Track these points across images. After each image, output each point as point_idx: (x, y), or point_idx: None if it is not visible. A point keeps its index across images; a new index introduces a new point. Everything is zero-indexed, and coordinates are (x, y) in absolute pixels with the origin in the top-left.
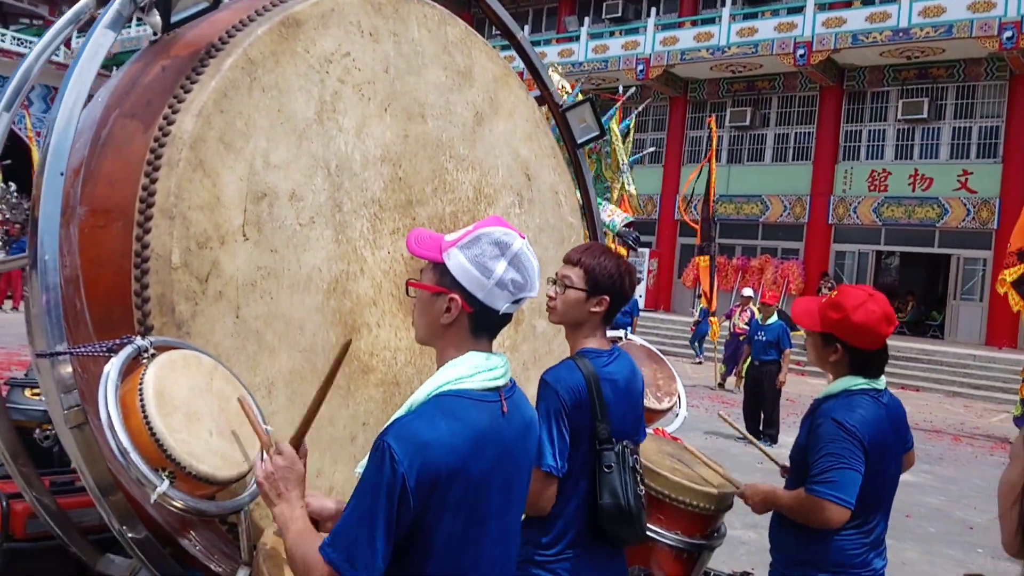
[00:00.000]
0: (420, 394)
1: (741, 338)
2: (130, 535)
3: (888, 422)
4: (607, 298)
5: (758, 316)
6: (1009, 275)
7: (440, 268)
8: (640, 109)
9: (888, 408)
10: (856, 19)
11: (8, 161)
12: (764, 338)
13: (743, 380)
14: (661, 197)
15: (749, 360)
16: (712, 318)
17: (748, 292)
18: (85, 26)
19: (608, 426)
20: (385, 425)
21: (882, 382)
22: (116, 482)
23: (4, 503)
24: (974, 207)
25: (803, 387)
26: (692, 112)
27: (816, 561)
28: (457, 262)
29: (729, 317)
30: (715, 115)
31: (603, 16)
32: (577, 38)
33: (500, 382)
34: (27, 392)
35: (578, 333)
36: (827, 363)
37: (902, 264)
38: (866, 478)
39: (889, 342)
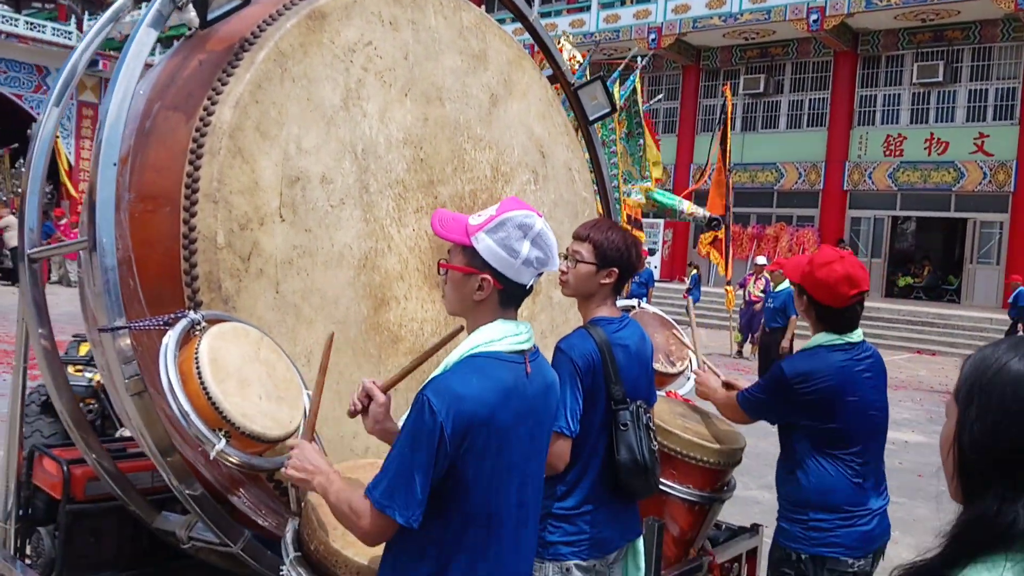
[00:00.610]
0: (454, 355)
1: (756, 306)
2: (188, 492)
3: (854, 372)
4: (616, 270)
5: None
6: None
7: (469, 251)
8: (639, 69)
9: (862, 361)
10: None
11: (16, 145)
12: (772, 305)
13: (758, 346)
14: (676, 167)
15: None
16: (728, 287)
17: (762, 260)
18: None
19: (621, 387)
20: (424, 383)
21: (857, 335)
22: (173, 444)
23: (65, 468)
24: (991, 170)
25: None
26: (705, 80)
27: (812, 503)
28: (486, 245)
29: (743, 286)
30: (729, 83)
31: None
32: (588, 7)
33: (525, 346)
34: (70, 368)
35: (590, 304)
36: (802, 312)
37: (918, 229)
38: (837, 420)
39: (905, 306)
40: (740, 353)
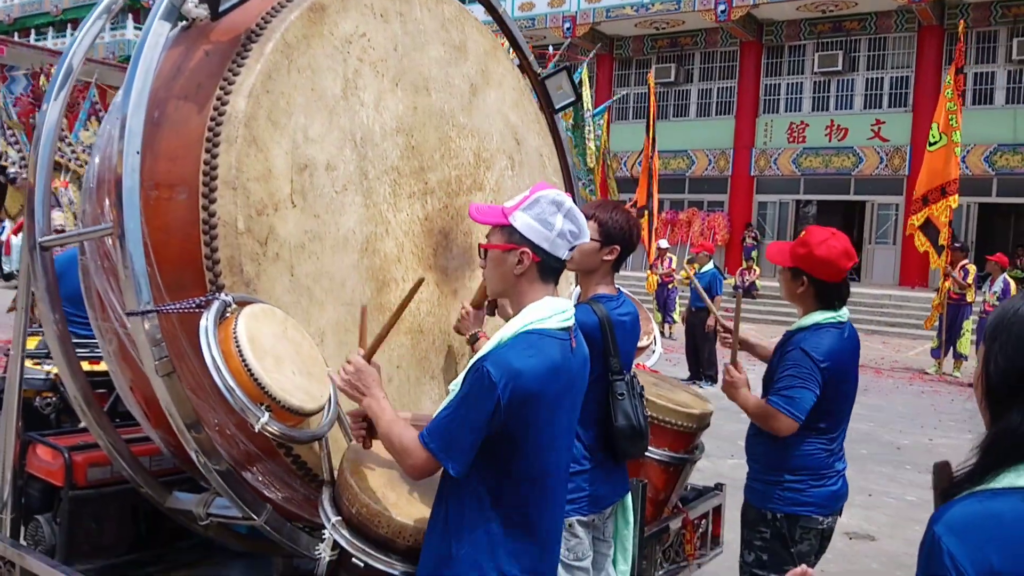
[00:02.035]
0: (508, 331)
1: (670, 285)
2: (215, 467)
3: (848, 351)
4: (618, 248)
5: (674, 264)
6: (916, 220)
7: (508, 229)
8: (588, 60)
9: (850, 339)
10: None
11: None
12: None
13: (685, 323)
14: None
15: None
16: (650, 271)
17: (664, 244)
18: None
19: (619, 360)
20: (481, 352)
21: (844, 314)
22: (199, 421)
23: (66, 455)
24: (887, 155)
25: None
26: (619, 69)
27: (787, 466)
28: (523, 221)
29: (652, 269)
30: (648, 71)
31: None
32: None
33: (569, 323)
34: (28, 362)
35: (591, 279)
36: (796, 295)
37: (820, 212)
38: (829, 397)
39: None
40: (662, 334)
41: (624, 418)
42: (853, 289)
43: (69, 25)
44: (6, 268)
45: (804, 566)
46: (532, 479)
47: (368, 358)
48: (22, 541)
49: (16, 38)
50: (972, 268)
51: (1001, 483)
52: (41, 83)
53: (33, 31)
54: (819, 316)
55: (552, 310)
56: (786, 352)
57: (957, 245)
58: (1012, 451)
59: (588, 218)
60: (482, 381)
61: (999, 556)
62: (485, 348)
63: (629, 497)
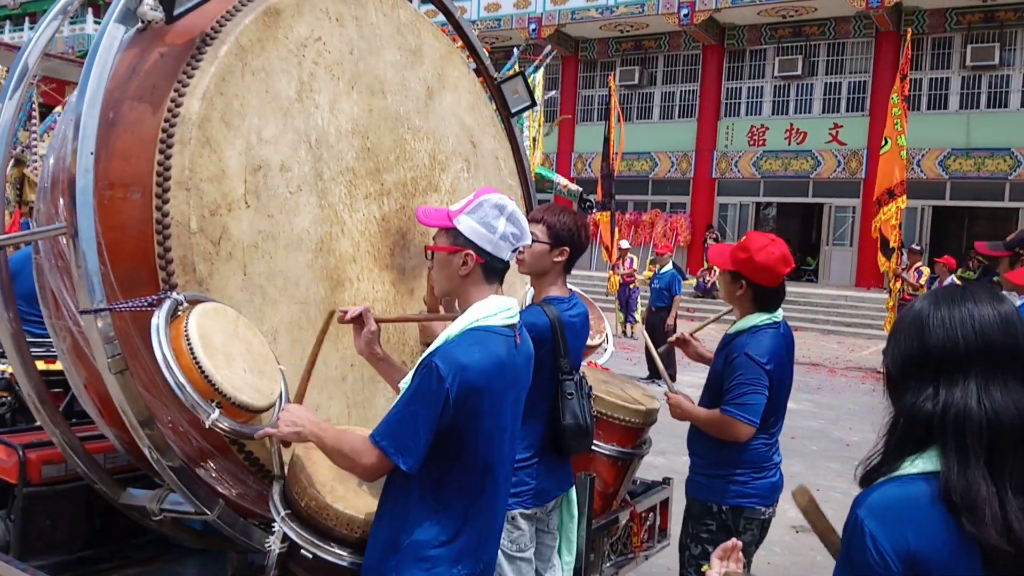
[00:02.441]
0: (455, 328)
1: (631, 286)
2: (167, 463)
3: (785, 348)
4: (567, 249)
5: (636, 264)
6: (877, 222)
7: (452, 232)
8: (537, 63)
9: (784, 336)
10: None
11: None
12: (657, 285)
13: (645, 323)
14: (557, 155)
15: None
16: (612, 271)
17: (625, 244)
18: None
19: (568, 361)
20: (430, 349)
21: (779, 314)
22: (151, 418)
23: (20, 452)
24: (844, 158)
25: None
26: (584, 71)
27: (732, 461)
28: (467, 224)
29: (614, 270)
30: (611, 73)
31: None
32: None
33: (514, 320)
34: None
35: (543, 281)
36: (735, 298)
37: (779, 214)
38: (771, 395)
39: None
40: (625, 333)
41: (571, 417)
42: (809, 290)
43: (27, 19)
44: None
45: (735, 539)
46: (477, 471)
47: (298, 401)
48: None
49: None
50: (926, 270)
51: (915, 468)
52: None
53: None
54: (756, 319)
55: (497, 308)
56: (732, 358)
57: (917, 248)
58: (908, 430)
59: (537, 221)
60: (431, 376)
61: (915, 537)
62: (433, 345)
63: (573, 491)
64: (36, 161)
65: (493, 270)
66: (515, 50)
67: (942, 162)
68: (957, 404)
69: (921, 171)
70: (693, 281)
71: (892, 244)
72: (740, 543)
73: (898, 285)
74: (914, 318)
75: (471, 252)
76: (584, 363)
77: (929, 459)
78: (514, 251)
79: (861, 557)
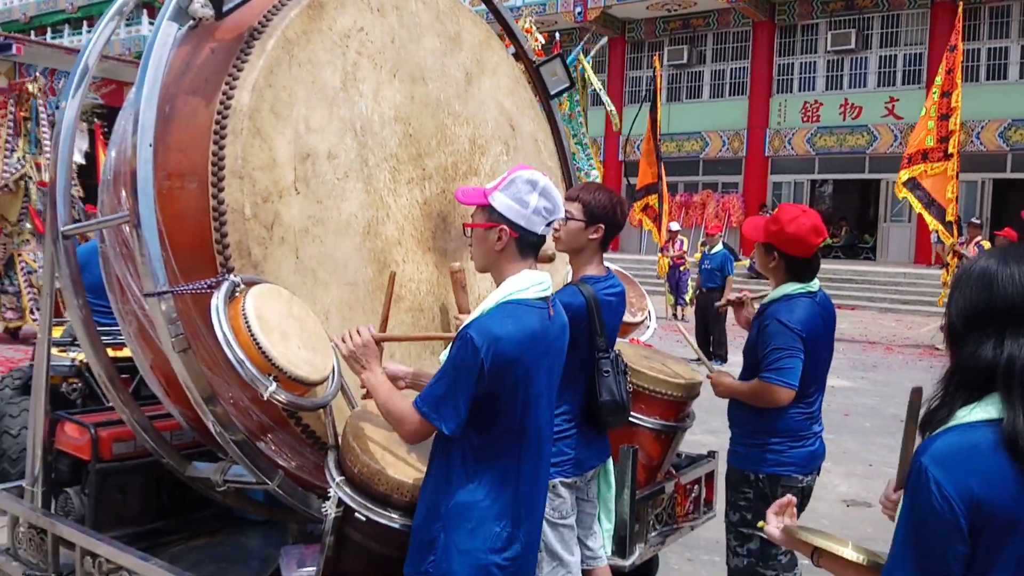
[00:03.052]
0: (490, 301)
1: (681, 268)
2: (231, 437)
3: (820, 317)
4: (602, 226)
5: (686, 246)
6: (902, 175)
7: (488, 209)
8: (580, 46)
9: (821, 306)
10: None
11: None
12: (709, 266)
13: (696, 305)
14: (604, 138)
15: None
16: (661, 253)
17: (675, 226)
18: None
19: (605, 338)
20: (466, 321)
21: (815, 284)
22: (214, 395)
23: (93, 431)
24: (901, 132)
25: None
26: (630, 52)
27: (768, 430)
28: (501, 201)
29: (663, 252)
30: (658, 53)
31: None
32: None
33: (546, 293)
34: (54, 350)
35: (580, 259)
36: (768, 269)
37: (835, 191)
38: (806, 363)
39: (825, 265)
40: (675, 316)
41: (608, 393)
42: (867, 268)
43: (85, 22)
44: None
45: (790, 496)
46: (514, 436)
47: (379, 340)
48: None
49: (33, 36)
50: (987, 244)
51: (975, 416)
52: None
53: (49, 29)
54: (789, 287)
55: (530, 281)
56: (764, 326)
57: (976, 221)
58: (968, 379)
59: (572, 199)
60: (466, 347)
61: (979, 482)
62: (469, 317)
63: (611, 462)
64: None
65: (527, 244)
66: (557, 34)
67: (1002, 133)
68: (1023, 357)
69: (981, 143)
70: (746, 262)
71: (949, 218)
72: (794, 499)
73: (955, 260)
74: (982, 272)
75: (505, 227)
76: (626, 340)
77: (989, 407)
78: (548, 225)
79: (926, 503)
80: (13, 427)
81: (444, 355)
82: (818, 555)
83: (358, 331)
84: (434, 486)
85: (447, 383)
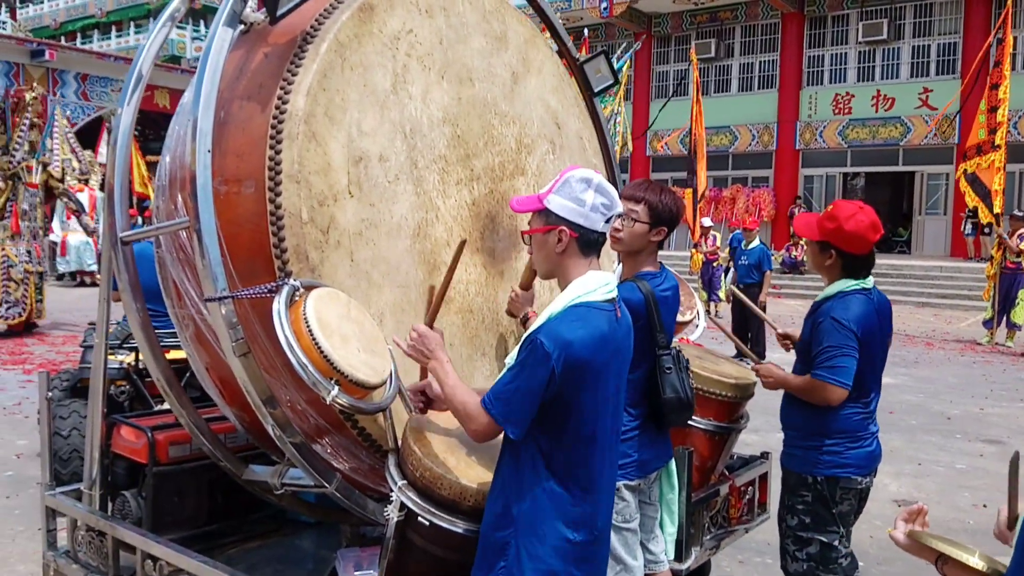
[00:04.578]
0: (558, 304)
1: (715, 263)
2: (289, 440)
3: (876, 315)
4: (665, 229)
5: (719, 242)
6: (963, 168)
7: (544, 212)
8: (636, 49)
9: (876, 303)
10: None
11: None
12: (747, 262)
13: (731, 301)
14: (632, 134)
15: (734, 283)
16: (694, 249)
17: (707, 222)
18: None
19: (665, 335)
20: (534, 326)
21: (870, 281)
22: (273, 397)
23: (149, 434)
24: (935, 123)
25: (782, 308)
26: (657, 47)
27: (825, 431)
28: (557, 203)
29: (696, 248)
30: (687, 48)
31: None
32: None
33: (613, 294)
34: None
35: (637, 258)
36: (823, 268)
37: (868, 184)
38: (861, 361)
39: None
40: (709, 312)
41: (671, 391)
42: (902, 261)
43: (114, 27)
44: (61, 268)
45: (920, 504)
46: (583, 442)
47: (429, 324)
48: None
49: (63, 42)
50: None
51: None
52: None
53: (79, 34)
54: (843, 284)
55: (597, 283)
56: (818, 323)
57: (1019, 214)
58: None
59: (637, 201)
60: (536, 352)
61: None
62: (537, 322)
63: (673, 463)
64: (55, 165)
65: (588, 243)
66: (585, 30)
67: None
68: None
69: (1019, 134)
70: (779, 256)
71: (995, 187)
72: (925, 507)
73: (1000, 253)
74: None
75: (564, 228)
76: (675, 339)
77: None
78: (607, 221)
79: None
80: (63, 428)
81: (511, 358)
82: (943, 561)
83: (412, 328)
84: (503, 493)
85: (516, 387)
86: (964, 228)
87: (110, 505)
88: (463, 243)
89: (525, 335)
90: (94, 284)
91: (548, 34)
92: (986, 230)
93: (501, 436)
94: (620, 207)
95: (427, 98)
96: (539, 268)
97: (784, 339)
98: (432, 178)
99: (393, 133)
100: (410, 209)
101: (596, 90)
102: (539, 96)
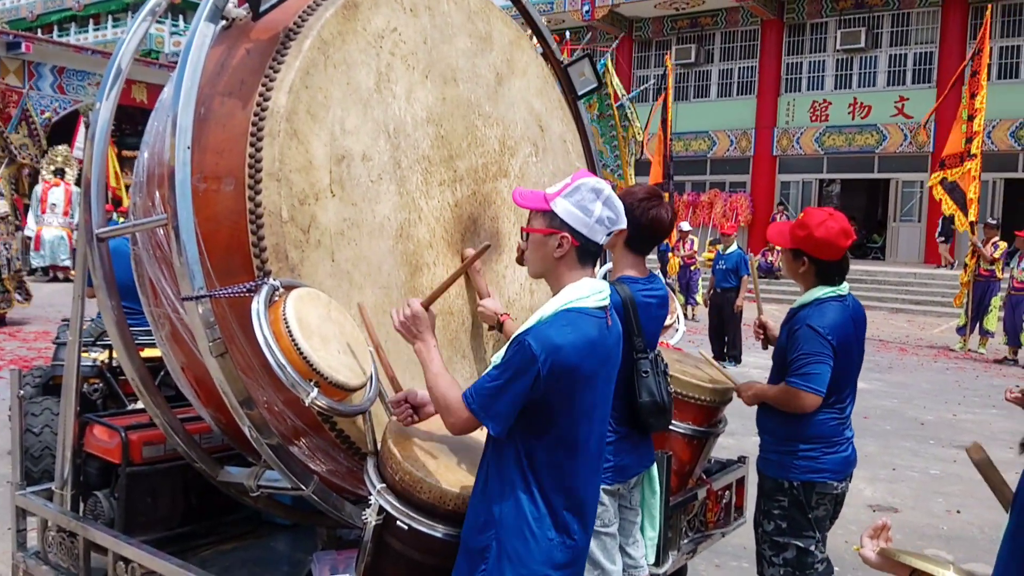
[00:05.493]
0: (549, 308)
1: (692, 268)
2: (266, 442)
3: (852, 321)
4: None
5: (696, 246)
6: (932, 179)
7: (549, 214)
8: (613, 47)
9: (851, 309)
10: None
11: None
12: (724, 266)
13: (708, 305)
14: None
15: (712, 287)
16: (671, 253)
17: (685, 226)
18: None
19: (642, 339)
20: (523, 327)
21: (845, 288)
22: (250, 398)
23: (123, 434)
24: (910, 132)
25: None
26: (638, 51)
27: (801, 436)
28: (564, 207)
29: (674, 252)
30: (667, 52)
31: None
32: None
33: (605, 302)
34: None
35: (618, 261)
36: (797, 275)
37: (843, 191)
38: (837, 368)
39: None
40: (686, 315)
41: (648, 394)
42: (876, 268)
43: (91, 20)
44: (34, 263)
45: (884, 519)
46: (568, 446)
47: (426, 306)
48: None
49: (39, 34)
50: (1003, 245)
51: None
52: None
53: (56, 27)
54: (819, 291)
55: (590, 290)
56: (794, 331)
57: (992, 221)
58: None
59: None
60: (524, 354)
61: None
62: (527, 323)
63: (655, 468)
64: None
65: (587, 253)
66: (567, 32)
67: (1014, 133)
68: None
69: (992, 143)
70: (755, 261)
71: (970, 195)
72: (889, 523)
73: (974, 260)
74: None
75: (567, 235)
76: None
77: None
78: (608, 235)
79: None
80: (35, 426)
81: (497, 357)
82: None
83: (408, 303)
84: (486, 493)
85: (499, 384)
86: (938, 235)
87: (82, 505)
88: (487, 246)
89: (514, 334)
90: (68, 280)
91: (532, 35)
92: (939, 237)
93: (484, 440)
94: (624, 223)
95: (411, 97)
96: (531, 267)
97: (759, 328)
98: (415, 178)
99: (376, 132)
100: (393, 209)
101: (580, 93)
102: (523, 98)
